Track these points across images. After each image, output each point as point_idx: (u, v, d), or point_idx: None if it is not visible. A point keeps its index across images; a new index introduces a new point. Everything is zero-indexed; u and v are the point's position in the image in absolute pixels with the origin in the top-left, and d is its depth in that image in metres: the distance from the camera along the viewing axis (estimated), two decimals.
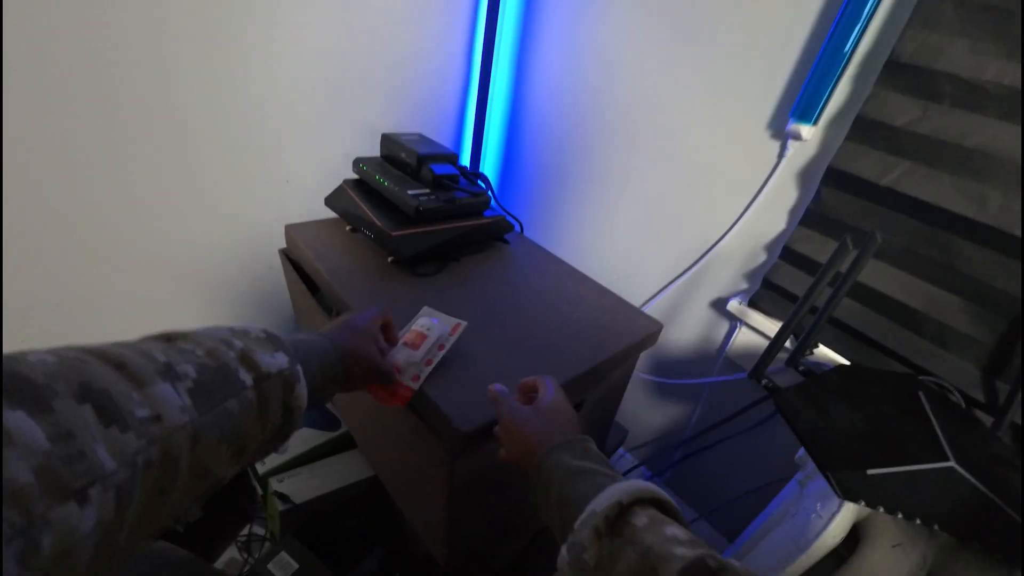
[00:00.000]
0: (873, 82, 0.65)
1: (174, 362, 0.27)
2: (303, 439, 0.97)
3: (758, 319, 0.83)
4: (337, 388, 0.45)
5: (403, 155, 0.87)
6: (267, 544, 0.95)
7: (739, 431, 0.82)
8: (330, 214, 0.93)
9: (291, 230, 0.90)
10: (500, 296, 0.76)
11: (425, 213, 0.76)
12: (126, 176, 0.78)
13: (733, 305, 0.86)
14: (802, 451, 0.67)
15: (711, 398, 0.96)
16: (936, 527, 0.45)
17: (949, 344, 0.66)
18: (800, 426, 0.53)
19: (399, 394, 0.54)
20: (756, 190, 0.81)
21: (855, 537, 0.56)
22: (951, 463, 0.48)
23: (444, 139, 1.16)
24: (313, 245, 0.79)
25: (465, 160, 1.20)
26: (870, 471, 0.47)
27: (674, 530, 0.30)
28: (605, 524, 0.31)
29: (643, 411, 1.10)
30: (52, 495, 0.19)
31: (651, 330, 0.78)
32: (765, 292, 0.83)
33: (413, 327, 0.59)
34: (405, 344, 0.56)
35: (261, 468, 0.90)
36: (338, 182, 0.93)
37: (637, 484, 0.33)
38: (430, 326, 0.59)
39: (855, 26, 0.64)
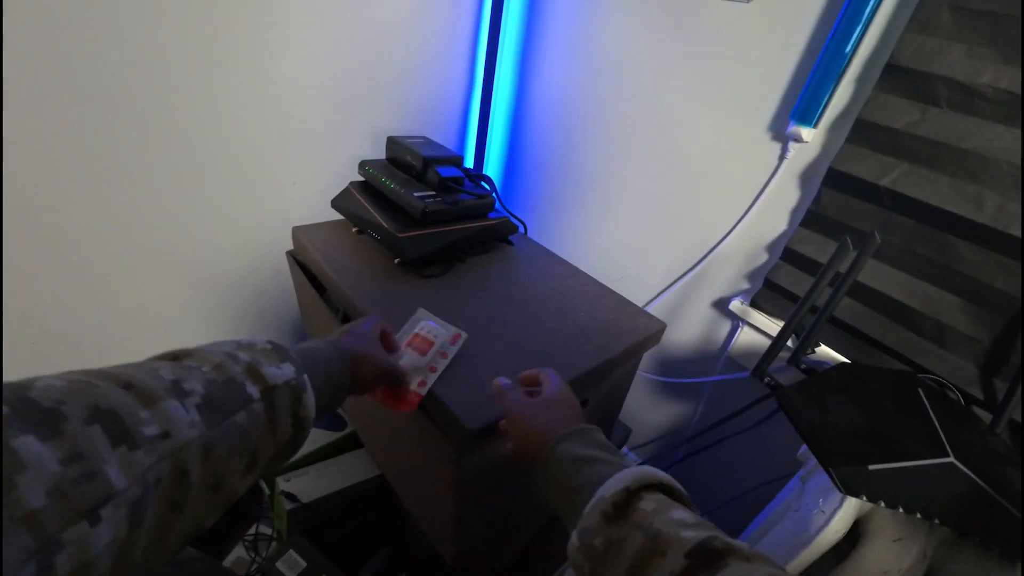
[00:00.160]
0: (872, 85, 0.67)
1: (181, 379, 0.27)
2: (310, 439, 0.97)
3: (759, 319, 0.84)
4: (345, 394, 0.46)
5: (409, 158, 0.88)
6: (274, 543, 0.95)
7: (740, 430, 0.83)
8: (336, 216, 0.94)
9: (298, 232, 0.91)
10: (505, 297, 0.77)
11: (431, 215, 0.77)
12: (133, 179, 0.78)
13: (735, 305, 0.88)
14: (804, 448, 0.68)
15: (713, 397, 0.97)
16: (936, 521, 0.46)
17: (948, 343, 0.67)
18: (802, 423, 0.54)
19: (407, 400, 0.54)
20: (757, 191, 0.82)
21: (856, 532, 0.57)
22: (951, 459, 0.49)
23: (448, 141, 1.17)
24: (320, 247, 0.80)
25: (469, 162, 1.21)
26: (871, 467, 0.48)
27: (681, 513, 0.31)
28: (614, 509, 0.32)
29: (646, 410, 1.11)
30: (64, 516, 0.19)
31: (654, 330, 0.79)
32: (766, 292, 0.84)
33: (416, 330, 0.58)
34: (410, 347, 0.57)
35: None
36: (344, 184, 0.94)
37: (644, 470, 0.34)
38: (434, 332, 0.59)
39: (854, 30, 0.65)
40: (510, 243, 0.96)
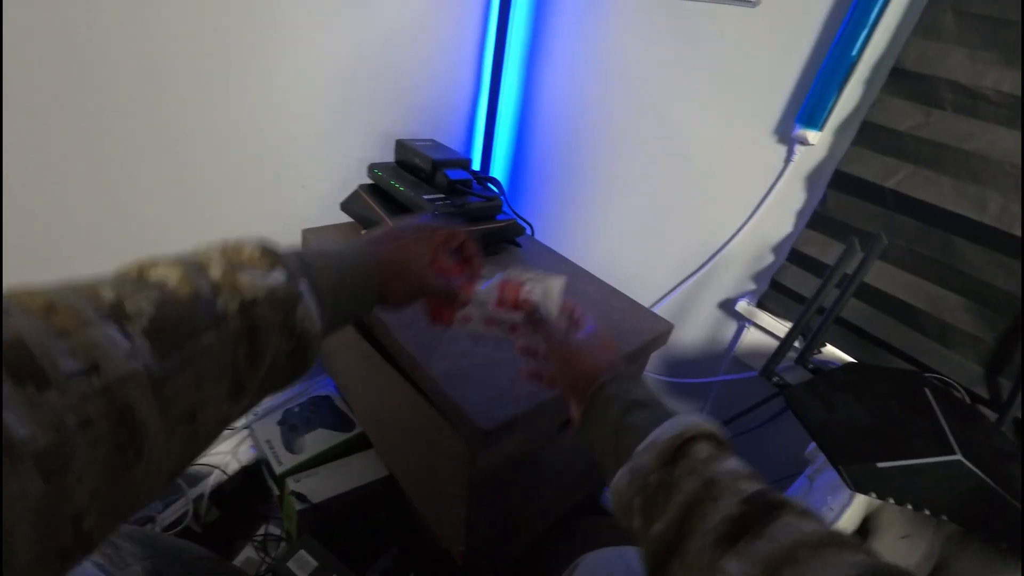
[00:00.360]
0: (878, 89, 0.68)
1: (124, 298, 0.23)
2: (319, 439, 0.99)
3: (766, 319, 0.85)
4: (372, 306, 0.40)
5: (417, 161, 0.89)
6: (283, 544, 0.96)
7: (747, 429, 0.84)
8: (345, 218, 0.95)
9: (307, 234, 0.92)
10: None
11: (440, 218, 0.78)
12: (141, 183, 0.79)
13: (741, 306, 0.88)
14: (812, 446, 0.69)
15: (719, 397, 0.98)
16: (943, 518, 0.46)
17: (952, 342, 0.68)
18: (810, 421, 0.55)
19: (443, 317, 0.47)
20: (763, 193, 0.83)
21: (864, 530, 0.58)
22: (957, 456, 0.50)
23: (455, 144, 1.18)
24: None
25: (476, 165, 1.22)
26: (880, 464, 0.49)
27: (735, 463, 0.31)
28: (669, 452, 0.32)
29: None
30: None
31: (661, 330, 0.80)
32: (772, 293, 0.85)
33: (523, 280, 0.49)
34: (494, 287, 0.48)
35: (278, 468, 0.92)
36: (353, 187, 0.95)
37: (698, 418, 0.34)
38: (536, 294, 0.48)
39: (860, 34, 0.66)
40: (517, 245, 0.97)
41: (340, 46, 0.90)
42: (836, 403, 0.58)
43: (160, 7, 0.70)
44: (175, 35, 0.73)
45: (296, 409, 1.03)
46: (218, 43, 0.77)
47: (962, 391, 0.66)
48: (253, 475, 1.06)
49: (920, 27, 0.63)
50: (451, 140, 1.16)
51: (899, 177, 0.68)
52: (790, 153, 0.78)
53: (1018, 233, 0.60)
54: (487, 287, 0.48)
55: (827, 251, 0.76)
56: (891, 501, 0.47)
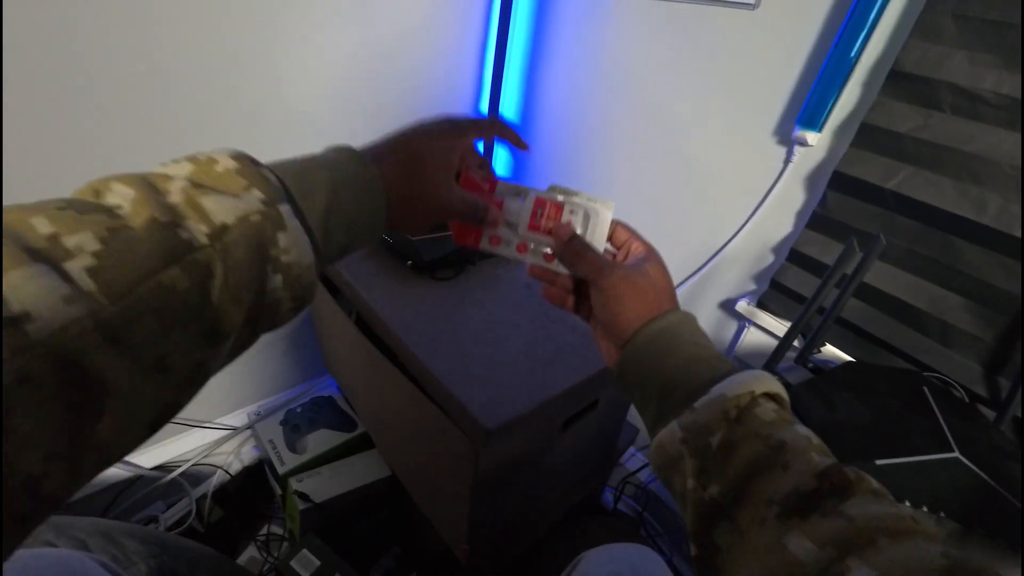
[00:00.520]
0: (877, 91, 0.68)
1: (63, 232, 0.20)
2: (322, 440, 0.99)
3: (766, 319, 0.85)
4: (379, 231, 0.33)
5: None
6: (285, 543, 0.97)
7: None
8: None
9: None
10: (517, 299, 0.79)
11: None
12: None
13: (742, 306, 0.89)
14: None
15: None
16: (942, 515, 0.47)
17: (952, 342, 0.68)
18: (810, 420, 0.55)
19: (469, 239, 0.40)
20: (763, 194, 0.83)
21: None
22: (956, 454, 0.51)
23: None
24: None
25: None
26: (879, 461, 0.49)
27: (804, 430, 0.28)
28: (736, 410, 0.29)
29: None
30: None
31: None
32: (773, 293, 0.85)
33: (562, 200, 0.39)
34: (536, 204, 0.39)
35: (281, 468, 0.92)
36: None
37: (765, 375, 0.31)
38: (578, 220, 0.39)
39: (859, 36, 0.67)
40: None
41: (342, 47, 0.90)
42: (836, 402, 0.59)
43: (161, 7, 0.71)
44: (176, 35, 0.73)
45: (298, 409, 1.03)
46: (219, 43, 0.77)
47: (961, 390, 0.67)
48: (256, 475, 1.06)
49: (919, 29, 0.63)
50: None
51: (899, 178, 0.68)
52: (790, 154, 0.78)
53: (1017, 234, 0.61)
54: (522, 204, 0.40)
55: (827, 251, 0.77)
56: (890, 498, 0.47)
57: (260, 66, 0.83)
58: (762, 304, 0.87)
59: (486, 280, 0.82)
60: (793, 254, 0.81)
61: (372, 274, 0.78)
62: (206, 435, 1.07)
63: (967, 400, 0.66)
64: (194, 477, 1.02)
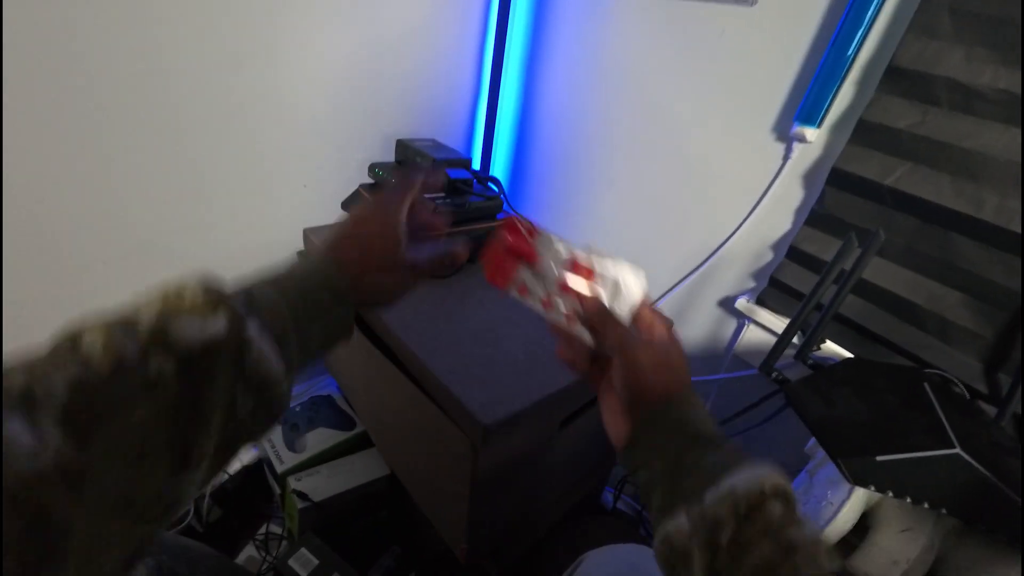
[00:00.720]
0: (875, 87, 0.68)
1: (35, 382, 0.21)
2: (321, 439, 0.99)
3: (766, 316, 0.85)
4: (349, 316, 0.35)
5: (418, 160, 0.90)
6: (284, 542, 0.96)
7: (748, 427, 0.84)
8: None
9: (309, 233, 0.93)
10: (516, 299, 0.79)
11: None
12: (143, 182, 0.79)
13: (741, 303, 0.89)
14: (812, 441, 0.69)
15: (720, 394, 0.98)
16: (943, 511, 0.47)
17: (952, 338, 0.68)
18: (810, 416, 0.55)
19: (501, 280, 0.40)
20: (762, 191, 0.83)
21: (864, 525, 0.58)
22: (956, 450, 0.50)
23: (456, 144, 1.19)
24: None
25: (476, 164, 1.23)
26: (879, 458, 0.49)
27: (811, 530, 0.28)
28: (746, 506, 0.28)
29: None
30: None
31: None
32: (772, 290, 0.85)
33: (598, 264, 0.40)
34: (571, 266, 0.39)
35: (280, 467, 0.92)
36: (354, 187, 0.95)
37: (774, 472, 0.31)
38: (607, 288, 0.40)
39: (856, 33, 0.67)
40: None
41: (342, 47, 0.90)
42: (835, 398, 0.58)
43: (161, 7, 0.71)
44: (176, 35, 0.73)
45: (297, 408, 1.03)
46: (220, 43, 0.77)
47: (961, 386, 0.66)
48: (255, 474, 1.06)
49: (916, 25, 0.63)
50: (452, 140, 1.17)
51: (897, 175, 0.68)
52: (788, 151, 0.78)
53: (1016, 229, 0.61)
54: (555, 261, 0.39)
55: (826, 248, 0.77)
56: (890, 494, 0.47)
57: (260, 66, 0.83)
58: (761, 301, 0.87)
59: (483, 279, 0.82)
60: (792, 251, 0.81)
61: None
62: None
63: (967, 396, 0.66)
64: None
